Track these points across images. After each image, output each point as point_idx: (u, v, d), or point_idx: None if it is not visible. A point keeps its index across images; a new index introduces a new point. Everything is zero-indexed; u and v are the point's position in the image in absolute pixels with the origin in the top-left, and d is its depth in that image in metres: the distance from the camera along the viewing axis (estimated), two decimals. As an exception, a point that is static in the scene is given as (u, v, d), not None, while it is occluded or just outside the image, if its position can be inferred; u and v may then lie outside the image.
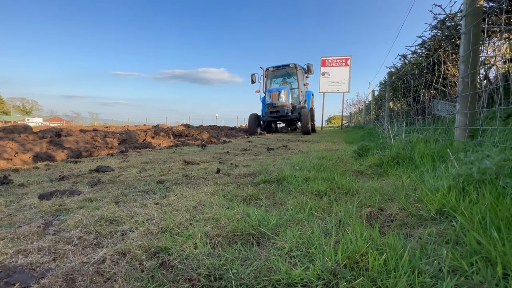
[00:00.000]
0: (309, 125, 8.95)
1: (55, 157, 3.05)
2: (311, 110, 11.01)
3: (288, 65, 10.81)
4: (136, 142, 5.15)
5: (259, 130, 10.12)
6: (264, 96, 10.60)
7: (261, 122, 10.52)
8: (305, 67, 11.12)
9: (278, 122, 12.29)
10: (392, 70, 5.32)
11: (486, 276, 0.61)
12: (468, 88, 1.99)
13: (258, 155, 3.32)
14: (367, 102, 13.93)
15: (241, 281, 0.67)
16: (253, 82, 10.96)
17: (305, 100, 10.90)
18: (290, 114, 10.04)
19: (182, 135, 6.98)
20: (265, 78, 11.12)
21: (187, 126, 10.36)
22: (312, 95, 12.14)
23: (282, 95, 9.54)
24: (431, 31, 3.69)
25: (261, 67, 10.71)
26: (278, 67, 11.10)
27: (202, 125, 12.41)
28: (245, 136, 8.39)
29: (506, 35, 2.63)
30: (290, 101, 10.16)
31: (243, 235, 0.92)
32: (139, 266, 0.75)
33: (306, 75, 12.12)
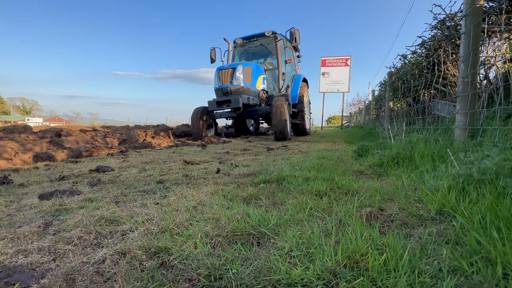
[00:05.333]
0: (286, 123, 5.53)
1: (55, 157, 3.05)
2: (299, 101, 7.38)
3: (263, 34, 7.11)
4: (136, 142, 5.15)
5: (211, 132, 6.67)
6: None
7: (214, 121, 6.81)
8: (287, 36, 7.25)
9: (261, 121, 8.78)
10: (392, 70, 5.32)
11: (486, 276, 0.61)
12: (468, 88, 1.99)
13: (258, 155, 3.32)
14: (367, 102, 13.95)
15: (241, 281, 0.67)
16: (212, 61, 7.34)
17: (288, 87, 7.27)
18: (257, 106, 6.33)
19: (182, 135, 6.97)
20: (230, 54, 7.42)
21: (187, 126, 9.99)
22: (305, 81, 8.19)
23: (239, 74, 5.86)
24: (431, 31, 3.70)
25: (224, 39, 7.01)
26: (249, 38, 7.39)
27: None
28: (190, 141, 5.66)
29: (506, 35, 2.63)
30: (261, 86, 6.61)
31: (243, 235, 0.92)
32: (139, 266, 0.75)
33: (296, 54, 8.69)
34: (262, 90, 6.73)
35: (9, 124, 5.85)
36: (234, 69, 5.96)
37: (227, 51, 7.25)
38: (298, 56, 8.92)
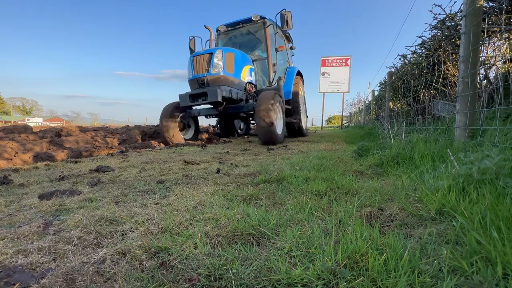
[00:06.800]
0: (274, 123, 4.38)
1: (55, 157, 3.05)
2: (294, 97, 6.38)
3: (250, 20, 6.05)
4: (136, 142, 5.15)
5: (189, 133, 5.65)
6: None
7: (192, 120, 5.67)
8: (278, 20, 5.91)
9: (252, 121, 7.64)
10: (392, 70, 5.32)
11: (486, 276, 0.61)
12: (468, 88, 1.99)
13: (258, 155, 3.32)
14: (367, 102, 13.95)
15: (241, 281, 0.67)
16: (192, 52, 6.15)
17: (281, 79, 5.81)
18: (242, 101, 5.27)
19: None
20: (213, 44, 5.94)
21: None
22: (299, 75, 7.09)
23: (217, 60, 4.70)
24: (431, 31, 3.69)
25: (206, 27, 5.51)
26: (234, 25, 6.31)
27: (202, 125, 12.01)
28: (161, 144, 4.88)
29: (506, 35, 2.63)
30: (248, 79, 5.42)
31: (243, 235, 0.92)
32: (139, 266, 0.75)
33: (289, 45, 7.65)
34: (249, 83, 5.52)
35: (9, 124, 5.85)
36: (211, 54, 4.75)
37: (208, 41, 5.78)
38: (291, 48, 7.79)
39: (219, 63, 4.73)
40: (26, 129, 5.19)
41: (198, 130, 5.89)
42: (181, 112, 5.22)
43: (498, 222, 0.79)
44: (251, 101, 5.53)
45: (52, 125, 16.73)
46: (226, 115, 5.73)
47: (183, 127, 5.39)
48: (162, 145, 5.00)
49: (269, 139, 4.52)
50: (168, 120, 4.95)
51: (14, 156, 2.86)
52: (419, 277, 0.64)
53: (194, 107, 5.37)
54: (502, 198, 0.93)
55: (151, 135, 5.85)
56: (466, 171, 1.17)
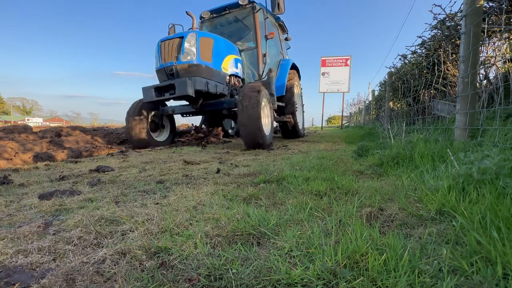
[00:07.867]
0: (260, 122, 3.64)
1: (55, 157, 3.05)
2: (288, 92, 5.74)
3: (237, 5, 5.24)
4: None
5: (163, 135, 4.81)
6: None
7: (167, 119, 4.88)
8: (269, 6, 4.81)
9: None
10: (392, 70, 5.32)
11: (486, 276, 0.61)
12: (468, 88, 1.99)
13: (258, 155, 3.32)
14: (367, 102, 13.95)
15: (241, 281, 0.67)
16: None
17: (272, 71, 4.85)
18: (225, 96, 4.55)
19: (182, 135, 6.94)
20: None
21: (187, 126, 9.93)
22: (295, 69, 6.44)
23: (189, 46, 3.92)
24: (431, 31, 3.70)
25: (187, 13, 4.36)
26: (220, 11, 5.53)
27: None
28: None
29: (506, 35, 2.63)
30: (232, 70, 4.69)
31: (243, 235, 0.92)
32: (139, 266, 0.75)
33: (284, 36, 6.94)
34: (234, 75, 4.72)
35: (9, 124, 5.85)
36: (182, 38, 3.92)
37: (190, 29, 4.53)
38: (286, 39, 7.06)
39: (192, 49, 3.93)
40: (26, 129, 5.19)
41: (174, 131, 5.07)
42: (153, 109, 4.45)
43: (498, 222, 0.79)
44: (236, 96, 4.57)
45: (52, 125, 16.73)
46: (210, 113, 4.97)
47: (156, 128, 4.64)
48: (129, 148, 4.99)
49: (253, 141, 3.80)
50: (137, 119, 4.16)
51: (14, 156, 2.86)
52: (419, 277, 0.64)
53: (168, 104, 4.71)
54: (502, 198, 0.93)
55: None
56: (466, 171, 1.17)
